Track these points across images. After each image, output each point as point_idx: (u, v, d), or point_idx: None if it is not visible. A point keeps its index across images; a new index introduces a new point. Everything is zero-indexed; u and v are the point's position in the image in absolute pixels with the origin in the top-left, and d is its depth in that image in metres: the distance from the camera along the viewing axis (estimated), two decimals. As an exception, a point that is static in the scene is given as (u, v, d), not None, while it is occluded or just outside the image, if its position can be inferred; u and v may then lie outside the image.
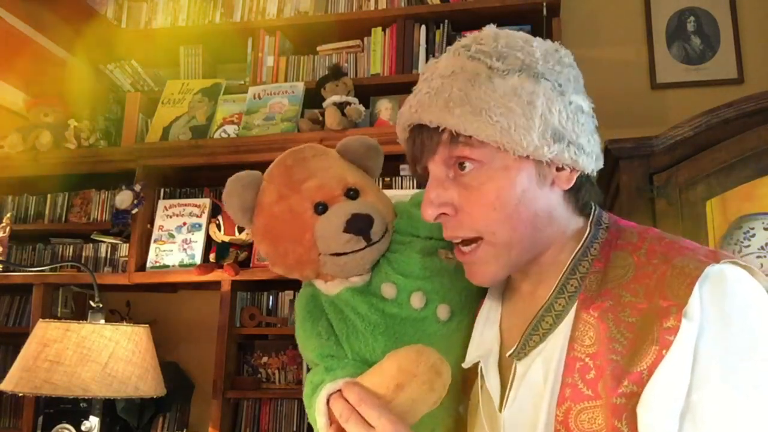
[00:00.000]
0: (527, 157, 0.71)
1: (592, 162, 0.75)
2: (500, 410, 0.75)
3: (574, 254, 0.74)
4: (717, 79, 2.46)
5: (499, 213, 0.72)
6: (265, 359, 2.39)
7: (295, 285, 2.41)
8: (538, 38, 0.76)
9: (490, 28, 0.77)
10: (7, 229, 2.53)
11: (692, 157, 1.77)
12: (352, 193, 0.87)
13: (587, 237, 0.75)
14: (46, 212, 2.65)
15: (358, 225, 0.82)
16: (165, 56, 2.79)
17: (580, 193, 0.77)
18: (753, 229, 1.74)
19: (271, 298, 2.45)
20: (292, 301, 2.39)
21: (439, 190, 0.74)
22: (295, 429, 2.31)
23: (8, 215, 2.59)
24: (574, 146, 0.72)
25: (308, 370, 2.40)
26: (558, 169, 0.74)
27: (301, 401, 2.32)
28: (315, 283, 0.90)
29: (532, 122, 0.70)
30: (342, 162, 0.92)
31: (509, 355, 0.75)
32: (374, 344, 0.82)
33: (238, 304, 2.39)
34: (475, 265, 0.77)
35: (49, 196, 2.66)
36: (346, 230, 0.81)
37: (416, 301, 0.83)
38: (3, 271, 2.51)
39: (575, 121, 0.73)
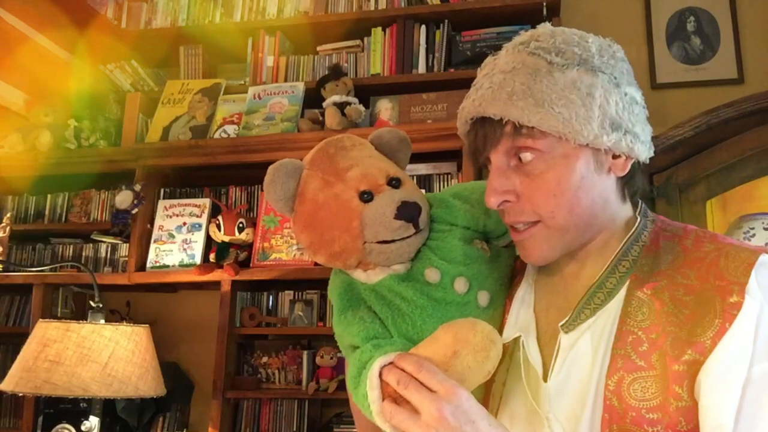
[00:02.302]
0: (586, 145, 0.75)
1: (645, 150, 0.80)
2: (545, 380, 0.78)
3: (626, 238, 0.79)
4: (717, 79, 2.45)
5: (560, 199, 0.76)
6: (265, 359, 2.39)
7: (295, 285, 2.42)
8: (592, 34, 0.80)
9: (546, 26, 0.81)
10: (7, 229, 2.53)
11: (692, 157, 1.77)
12: (394, 183, 0.88)
13: (638, 225, 0.80)
14: (46, 212, 2.65)
15: (409, 212, 0.83)
16: (165, 56, 2.79)
17: (632, 181, 0.82)
18: (753, 229, 1.74)
19: (271, 298, 2.45)
20: (292, 301, 2.39)
21: (502, 179, 0.78)
22: (295, 429, 2.31)
23: (8, 215, 2.59)
24: (630, 135, 0.77)
25: (313, 370, 2.38)
26: (614, 157, 0.78)
27: (301, 401, 2.32)
28: (351, 274, 0.90)
29: (591, 112, 0.74)
30: (378, 153, 0.94)
31: (561, 325, 0.79)
32: (423, 326, 0.82)
33: (238, 304, 2.39)
34: (529, 242, 0.80)
35: (49, 196, 2.66)
36: (397, 217, 0.82)
37: (460, 285, 0.84)
38: (3, 271, 2.51)
39: (630, 112, 0.78)
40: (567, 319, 0.79)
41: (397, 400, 0.72)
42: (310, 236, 0.88)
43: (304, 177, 0.89)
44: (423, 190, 2.39)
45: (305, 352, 2.33)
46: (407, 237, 0.83)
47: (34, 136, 2.60)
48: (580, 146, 0.76)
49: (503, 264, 0.91)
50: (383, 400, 0.73)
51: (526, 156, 0.76)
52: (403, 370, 0.72)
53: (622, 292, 0.77)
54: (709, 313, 0.69)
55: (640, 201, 0.84)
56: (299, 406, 2.33)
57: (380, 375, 0.75)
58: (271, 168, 0.88)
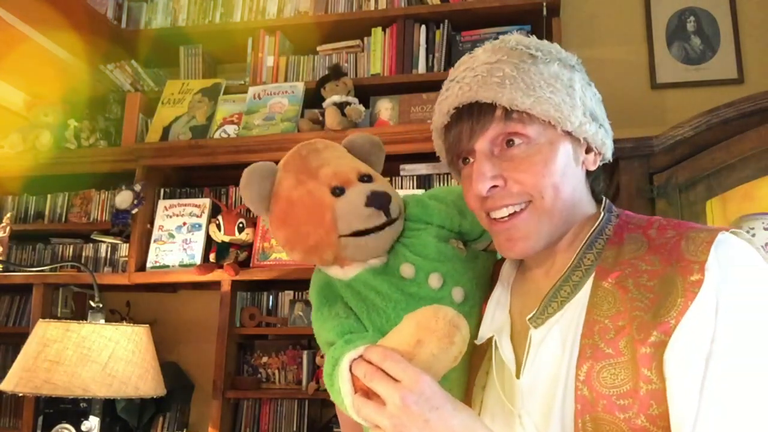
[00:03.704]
0: (569, 134, 0.78)
1: (611, 147, 0.84)
2: (518, 377, 0.79)
3: (590, 233, 0.80)
4: (717, 79, 2.45)
5: (548, 179, 0.77)
6: (265, 359, 2.39)
7: (295, 285, 2.42)
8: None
9: (515, 35, 0.84)
10: (7, 229, 2.53)
11: (692, 157, 1.77)
12: (366, 179, 0.91)
13: (602, 219, 0.82)
14: (46, 212, 2.65)
15: (379, 200, 0.86)
16: (165, 56, 2.79)
17: (596, 181, 0.85)
18: (753, 229, 1.74)
19: (271, 298, 2.45)
20: (292, 301, 2.39)
21: (489, 165, 0.79)
22: (295, 429, 2.31)
23: (8, 215, 2.59)
24: (603, 129, 0.82)
25: (313, 370, 2.37)
26: (586, 152, 0.82)
27: (301, 401, 2.32)
28: (328, 271, 0.92)
29: (574, 101, 0.78)
30: (350, 155, 0.96)
31: (528, 319, 0.80)
32: (397, 320, 0.82)
33: (238, 304, 2.39)
34: (516, 229, 0.79)
35: (49, 196, 2.66)
36: (368, 204, 0.85)
37: (434, 281, 0.86)
38: (3, 271, 2.51)
39: (601, 109, 0.83)
40: (534, 312, 0.79)
41: (368, 392, 0.72)
42: (286, 233, 0.90)
43: (278, 178, 0.92)
44: (422, 190, 2.39)
45: (305, 352, 2.33)
46: (380, 228, 0.85)
47: (34, 136, 2.60)
48: (563, 134, 0.78)
49: (480, 265, 0.92)
50: (355, 393, 0.74)
51: (515, 141, 0.78)
52: (370, 362, 0.73)
53: (588, 285, 0.78)
54: (672, 293, 0.69)
55: (604, 198, 0.86)
56: (299, 406, 2.33)
57: (351, 369, 0.76)
58: (245, 171, 0.92)
